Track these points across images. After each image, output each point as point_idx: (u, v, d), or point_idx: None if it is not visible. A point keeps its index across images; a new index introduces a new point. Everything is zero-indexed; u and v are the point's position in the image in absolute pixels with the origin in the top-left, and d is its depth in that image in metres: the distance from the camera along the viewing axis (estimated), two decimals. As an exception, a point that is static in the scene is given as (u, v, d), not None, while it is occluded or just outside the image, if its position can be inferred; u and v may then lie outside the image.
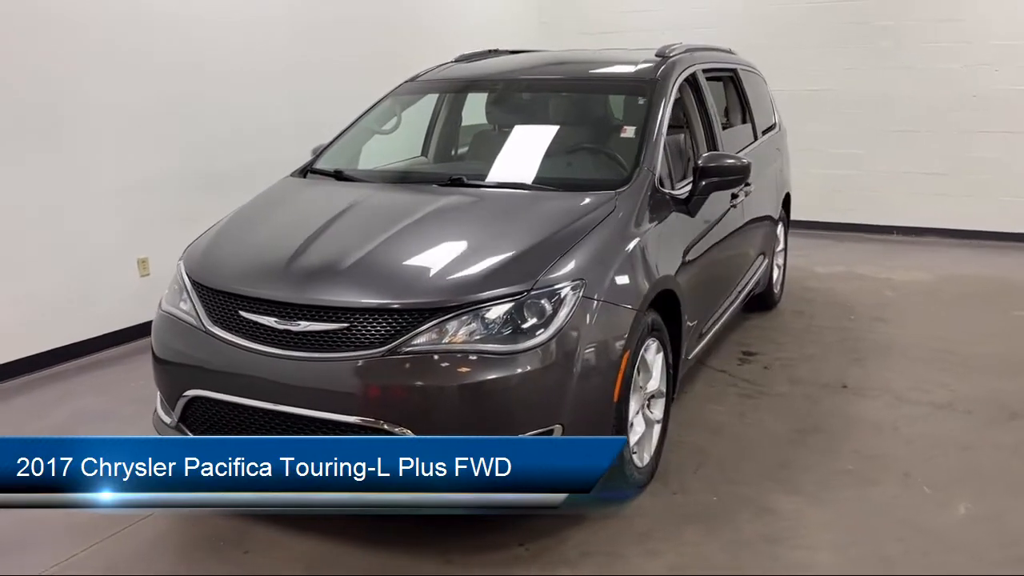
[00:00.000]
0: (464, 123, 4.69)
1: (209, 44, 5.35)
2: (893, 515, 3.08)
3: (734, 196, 4.20)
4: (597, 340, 2.77)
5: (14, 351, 4.45)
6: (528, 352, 2.63)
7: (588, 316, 2.76)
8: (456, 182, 3.50)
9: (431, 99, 4.56)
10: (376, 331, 2.66)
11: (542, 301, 2.71)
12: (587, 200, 3.22)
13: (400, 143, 4.53)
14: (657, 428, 3.37)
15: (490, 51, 4.85)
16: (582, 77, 4.25)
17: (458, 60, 4.73)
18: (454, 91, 4.38)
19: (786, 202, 5.75)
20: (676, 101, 4.06)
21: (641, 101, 3.79)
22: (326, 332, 2.70)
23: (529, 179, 3.49)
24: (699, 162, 3.58)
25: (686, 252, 3.53)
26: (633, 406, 3.09)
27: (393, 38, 6.98)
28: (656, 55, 4.21)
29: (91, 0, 4.65)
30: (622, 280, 2.93)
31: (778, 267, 5.76)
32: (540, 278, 2.74)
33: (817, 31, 8.22)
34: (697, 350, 3.84)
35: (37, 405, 4.20)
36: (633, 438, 3.10)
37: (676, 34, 8.60)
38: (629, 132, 3.66)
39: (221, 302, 2.93)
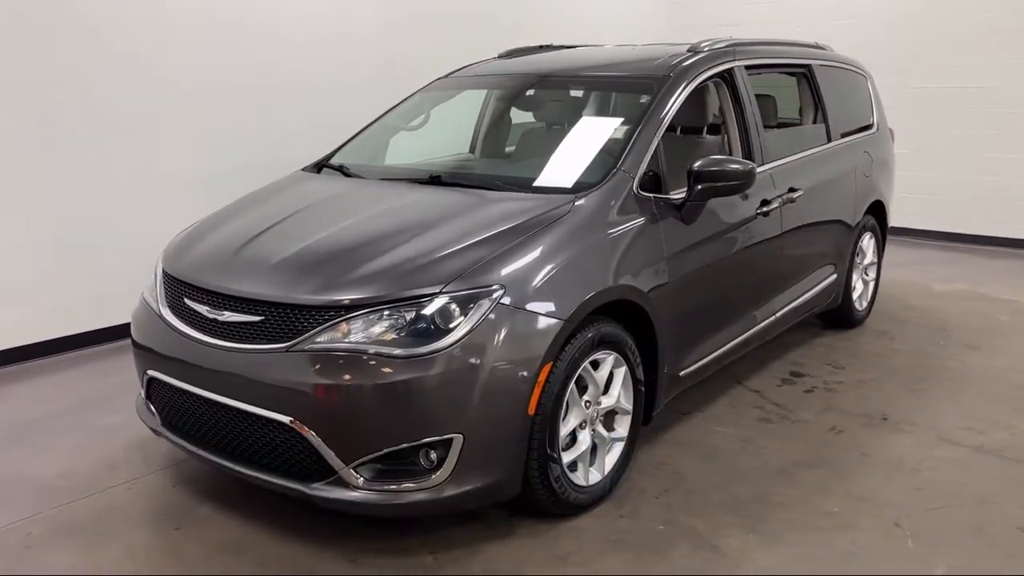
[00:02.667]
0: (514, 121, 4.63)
1: (287, 41, 5.59)
2: (852, 567, 2.73)
3: (765, 203, 3.88)
4: (510, 350, 2.64)
5: (88, 323, 4.86)
6: (428, 357, 2.55)
7: (503, 324, 2.64)
8: (434, 179, 3.45)
9: (472, 95, 4.53)
10: (286, 326, 2.68)
11: (451, 305, 2.62)
12: (542, 202, 3.08)
13: (441, 139, 4.53)
14: (618, 447, 3.18)
15: (541, 46, 4.75)
16: (593, 75, 4.06)
17: (501, 56, 4.66)
18: (475, 88, 4.31)
19: (877, 210, 5.23)
20: (698, 99, 3.82)
21: (643, 100, 3.58)
22: (245, 324, 2.76)
23: (502, 178, 3.39)
24: (693, 166, 3.33)
25: (673, 261, 3.29)
26: (573, 421, 2.93)
27: (516, 37, 7.00)
28: (688, 50, 3.96)
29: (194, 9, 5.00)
30: (552, 288, 2.78)
31: (864, 281, 5.26)
32: (453, 282, 2.65)
33: (973, 23, 7.39)
34: (695, 368, 3.57)
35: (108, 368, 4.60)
36: (569, 455, 2.94)
37: (807, 27, 8.16)
38: (619, 132, 3.46)
39: (174, 288, 3.06)
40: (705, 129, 4.26)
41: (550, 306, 2.74)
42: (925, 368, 4.53)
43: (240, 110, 5.34)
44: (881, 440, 3.66)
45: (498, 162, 4.12)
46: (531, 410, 2.70)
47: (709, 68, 3.83)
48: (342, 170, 3.83)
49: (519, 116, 4.29)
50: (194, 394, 2.86)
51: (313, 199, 3.43)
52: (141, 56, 4.85)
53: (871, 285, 5.37)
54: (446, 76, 4.45)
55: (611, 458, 3.15)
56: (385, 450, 2.59)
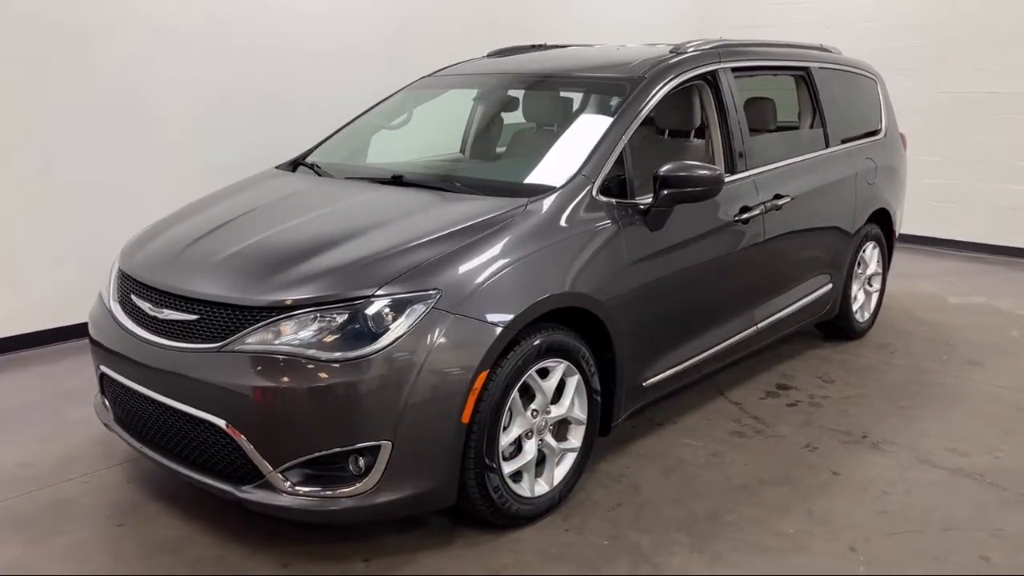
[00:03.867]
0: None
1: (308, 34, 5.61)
2: (795, 594, 2.63)
3: (745, 210, 3.76)
4: (444, 356, 2.58)
5: (79, 316, 4.91)
6: (357, 361, 2.51)
7: (437, 329, 2.58)
8: (396, 179, 3.41)
9: (457, 94, 4.48)
10: (219, 326, 2.66)
11: (383, 309, 2.57)
12: (494, 205, 3.01)
13: (426, 139, 4.49)
14: (570, 457, 3.10)
15: (533, 46, 4.68)
16: (568, 76, 3.97)
17: (490, 55, 4.61)
18: (457, 88, 4.25)
19: (881, 219, 5.05)
20: (678, 102, 3.72)
21: (614, 102, 3.49)
22: (183, 322, 2.74)
23: (462, 180, 3.34)
24: (659, 171, 3.23)
25: (635, 268, 3.20)
26: (516, 430, 2.87)
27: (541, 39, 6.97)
28: (671, 51, 3.86)
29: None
30: (493, 294, 2.71)
31: (867, 292, 5.09)
32: (387, 284, 2.60)
33: (1004, 26, 7.12)
34: (660, 379, 3.46)
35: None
36: (511, 466, 2.87)
37: (835, 29, 7.96)
38: (585, 135, 3.37)
39: (124, 285, 3.07)
40: (686, 133, 4.17)
41: (489, 312, 2.68)
42: (919, 384, 4.36)
43: (244, 105, 5.35)
44: (856, 459, 3.52)
45: (468, 163, 4.06)
46: (465, 418, 2.64)
47: (689, 70, 3.72)
48: (314, 168, 3.80)
49: (511, 117, 4.22)
50: (136, 391, 2.86)
51: (271, 197, 3.41)
52: (142, 52, 4.89)
53: (874, 296, 5.20)
54: (430, 75, 4.40)
55: (561, 469, 3.08)
56: (311, 455, 2.55)
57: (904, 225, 7.73)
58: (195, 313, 2.72)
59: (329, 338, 2.54)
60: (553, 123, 3.98)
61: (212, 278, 2.78)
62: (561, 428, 3.11)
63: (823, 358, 4.75)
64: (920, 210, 7.72)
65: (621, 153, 3.30)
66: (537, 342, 2.84)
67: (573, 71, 3.97)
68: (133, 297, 2.96)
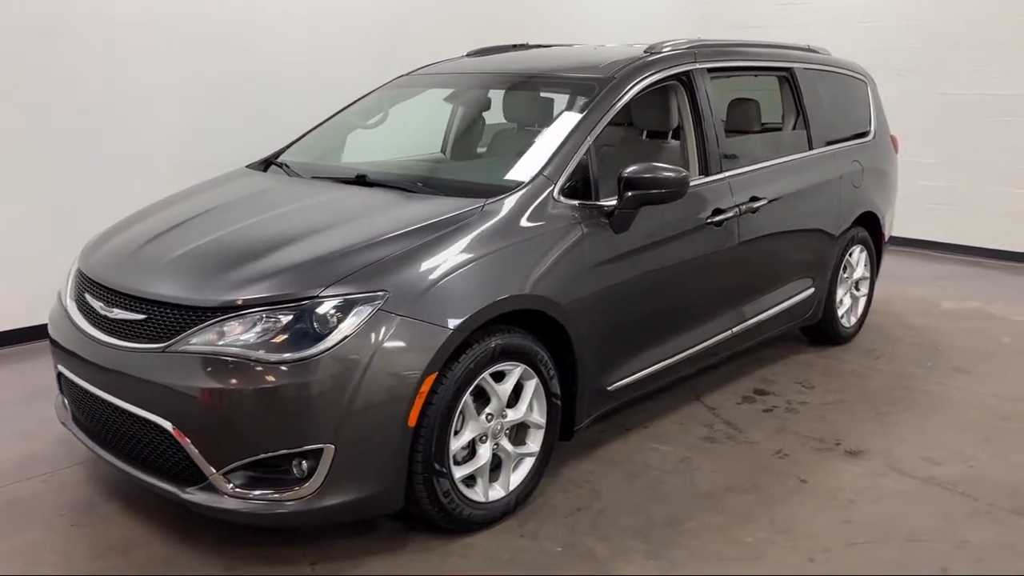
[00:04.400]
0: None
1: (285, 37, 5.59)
2: (746, 605, 2.57)
3: (718, 212, 3.71)
4: (390, 359, 2.54)
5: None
6: (300, 364, 2.48)
7: (383, 331, 2.54)
8: (360, 179, 3.38)
9: (435, 94, 4.44)
10: (165, 326, 2.63)
11: (329, 310, 2.54)
12: (452, 206, 2.97)
13: (404, 139, 4.45)
14: (528, 462, 3.06)
15: (514, 45, 4.64)
16: (539, 76, 3.92)
17: (469, 55, 4.57)
18: (433, 87, 4.22)
19: (868, 222, 4.98)
20: (650, 103, 3.68)
21: (581, 102, 3.44)
22: (130, 322, 2.72)
23: (426, 179, 3.30)
24: (623, 172, 3.18)
25: (598, 271, 3.15)
26: (468, 434, 2.82)
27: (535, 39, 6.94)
28: (645, 51, 3.81)
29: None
30: (444, 296, 2.67)
31: (854, 296, 5.02)
32: (333, 285, 2.57)
33: (1006, 26, 7.01)
34: (627, 383, 3.41)
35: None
36: (463, 470, 2.83)
37: (834, 30, 7.87)
38: (550, 135, 3.33)
39: (79, 283, 3.05)
40: (664, 134, 4.12)
41: (439, 314, 2.64)
42: (901, 391, 4.29)
43: (234, 106, 5.33)
44: (826, 467, 3.46)
45: (440, 163, 4.01)
46: (412, 422, 2.60)
47: (662, 71, 3.67)
48: (284, 167, 3.78)
49: (492, 117, 4.18)
50: (88, 391, 2.84)
51: (232, 196, 3.39)
52: (122, 51, 4.88)
53: (862, 301, 5.12)
54: (407, 74, 4.37)
55: (519, 474, 3.03)
56: (253, 458, 2.52)
57: (900, 228, 7.65)
58: (143, 313, 2.69)
59: (273, 339, 2.51)
60: (527, 123, 3.94)
61: (160, 278, 2.76)
62: (520, 432, 3.07)
63: (806, 363, 4.68)
64: (917, 213, 7.62)
65: (586, 154, 3.24)
66: (491, 345, 2.79)
67: (545, 71, 3.92)
68: (87, 296, 2.95)
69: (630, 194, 3.18)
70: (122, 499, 3.13)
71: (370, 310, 2.55)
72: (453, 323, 2.64)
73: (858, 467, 3.46)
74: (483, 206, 2.95)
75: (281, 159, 3.91)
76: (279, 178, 3.65)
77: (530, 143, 3.35)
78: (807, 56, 4.74)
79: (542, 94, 3.88)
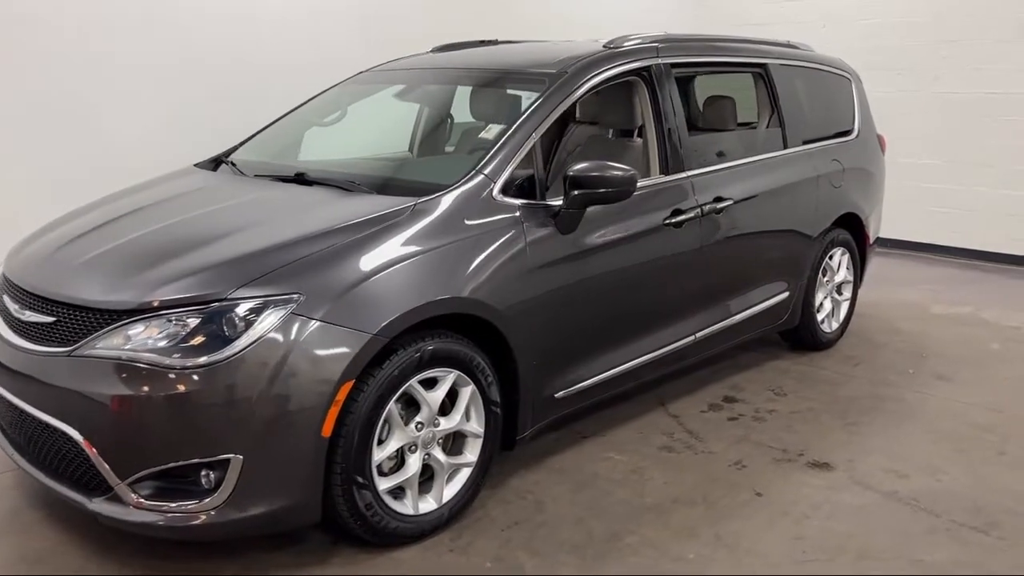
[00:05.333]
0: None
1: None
2: (676, 627, 2.43)
3: (677, 212, 3.56)
4: (302, 365, 2.43)
5: None
6: (205, 369, 2.37)
7: (295, 336, 2.43)
8: (299, 177, 3.26)
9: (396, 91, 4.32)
10: (73, 328, 2.53)
11: (237, 314, 2.42)
12: (382, 205, 2.85)
13: (365, 136, 4.34)
14: (465, 472, 2.94)
15: (482, 41, 4.51)
16: (493, 72, 3.79)
17: (433, 50, 4.45)
18: (392, 84, 4.10)
19: (850, 224, 4.81)
20: (606, 99, 3.56)
21: (529, 98, 3.31)
22: (40, 324, 2.62)
23: (366, 178, 3.18)
24: (569, 171, 3.05)
25: (542, 273, 3.02)
26: (394, 444, 2.70)
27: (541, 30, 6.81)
28: (605, 45, 3.68)
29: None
30: (364, 299, 2.55)
31: (835, 301, 4.85)
32: (242, 287, 2.45)
33: (1007, 22, 6.80)
34: (576, 390, 3.28)
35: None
36: (389, 481, 2.70)
37: (832, 27, 7.70)
38: (490, 132, 3.21)
39: (1, 285, 2.96)
40: (627, 132, 3.98)
41: (357, 319, 2.52)
42: (876, 399, 4.13)
43: (214, 99, 5.23)
44: (785, 479, 3.31)
45: (390, 161, 3.87)
46: (326, 432, 2.48)
47: (619, 65, 3.54)
48: (231, 165, 3.67)
49: (464, 115, 4.06)
50: (2, 396, 2.74)
51: (162, 195, 3.28)
52: (82, 41, 4.79)
53: (844, 305, 4.95)
54: (367, 71, 4.25)
55: (454, 485, 2.91)
56: (158, 468, 2.41)
57: (898, 230, 7.49)
58: (53, 315, 2.59)
59: (180, 343, 2.40)
60: (491, 121, 3.80)
61: (72, 279, 2.66)
62: (457, 441, 2.95)
63: (781, 370, 4.52)
64: (915, 214, 7.44)
65: (531, 151, 3.11)
66: (419, 351, 2.67)
67: (499, 67, 3.79)
68: (5, 298, 2.85)
69: (576, 193, 3.05)
70: (46, 507, 3.03)
71: (282, 313, 2.43)
72: (373, 328, 2.52)
73: (819, 480, 3.30)
74: (414, 205, 2.83)
75: (233, 157, 3.81)
76: (219, 176, 3.54)
77: (479, 140, 3.22)
78: (785, 52, 4.58)
79: (498, 91, 3.75)
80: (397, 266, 2.65)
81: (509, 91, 3.59)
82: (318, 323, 2.46)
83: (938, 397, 4.16)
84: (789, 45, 4.75)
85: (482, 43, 4.48)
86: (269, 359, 2.40)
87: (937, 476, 3.34)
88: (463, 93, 3.96)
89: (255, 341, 2.40)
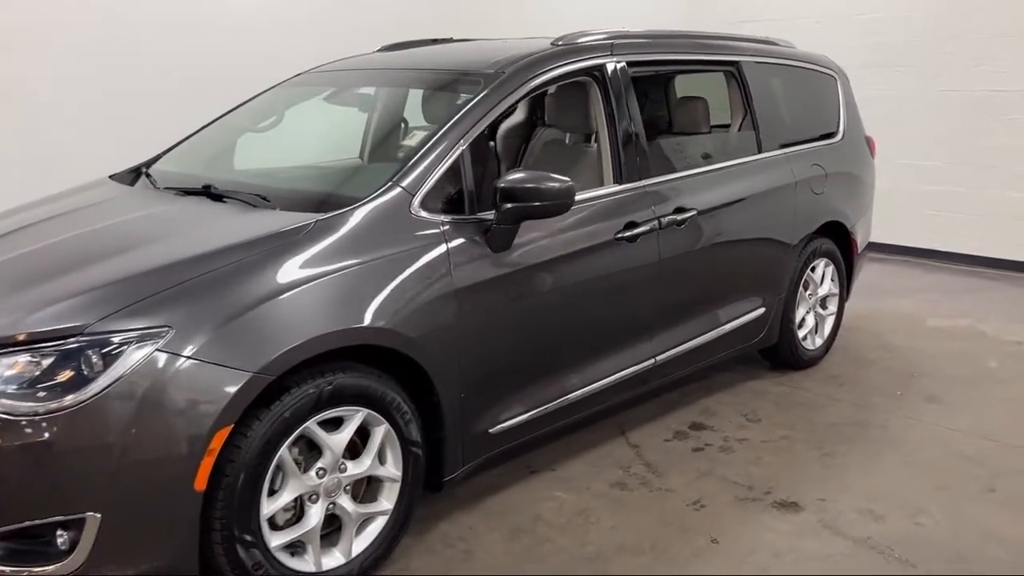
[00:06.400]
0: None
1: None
2: None
3: (631, 225, 3.24)
4: (170, 409, 2.13)
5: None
6: (55, 416, 2.07)
7: (162, 375, 2.12)
8: (206, 190, 2.95)
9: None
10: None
11: (94, 351, 2.12)
12: (279, 222, 2.55)
13: (302, 142, 4.03)
14: (381, 521, 2.63)
15: (434, 40, 4.20)
16: (428, 72, 3.48)
17: (381, 49, 4.14)
18: (330, 86, 3.78)
19: (835, 233, 4.47)
20: (553, 101, 3.25)
21: (460, 100, 3.00)
22: None
23: (274, 191, 2.87)
24: (499, 182, 2.74)
25: (469, 296, 2.71)
26: (288, 495, 2.39)
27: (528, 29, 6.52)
28: (552, 43, 3.37)
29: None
30: (245, 333, 2.24)
31: (819, 316, 4.52)
32: (102, 320, 2.15)
33: (1010, 17, 6.43)
34: (516, 423, 2.97)
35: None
36: (282, 536, 2.39)
37: (826, 24, 7.35)
38: (413, 139, 2.89)
39: None
40: (587, 137, 3.67)
41: (235, 355, 2.21)
42: (858, 426, 3.79)
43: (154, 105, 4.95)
44: (747, 521, 2.98)
45: (308, 171, 3.55)
46: (200, 485, 2.17)
47: (565, 65, 3.22)
48: (147, 176, 3.37)
49: (336, 121, 3.77)
50: None
51: (60, 210, 2.98)
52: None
53: (829, 320, 4.61)
54: (306, 72, 3.95)
55: (366, 536, 2.60)
56: (7, 528, 2.11)
57: (898, 236, 7.14)
58: None
59: (27, 385, 2.10)
60: (397, 127, 3.51)
61: None
62: (372, 487, 2.63)
63: (757, 392, 4.19)
64: (917, 219, 7.10)
65: (458, 160, 2.80)
66: (315, 389, 2.36)
67: (439, 68, 3.47)
68: None
69: (507, 207, 2.74)
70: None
71: (147, 350, 2.13)
72: (254, 365, 2.21)
73: (784, 523, 2.97)
74: (315, 223, 2.52)
75: (155, 167, 3.51)
76: (122, 188, 3.24)
77: (395, 149, 2.92)
78: (761, 49, 4.25)
79: (436, 93, 3.44)
80: (288, 293, 2.34)
81: (447, 94, 3.27)
82: (189, 361, 2.15)
83: (925, 423, 3.82)
84: (767, 41, 4.42)
85: (434, 41, 4.16)
86: (130, 403, 2.10)
87: (917, 518, 3.00)
88: (415, 96, 3.66)
89: (115, 383, 2.09)
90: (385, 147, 3.65)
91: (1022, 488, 3.20)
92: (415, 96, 3.53)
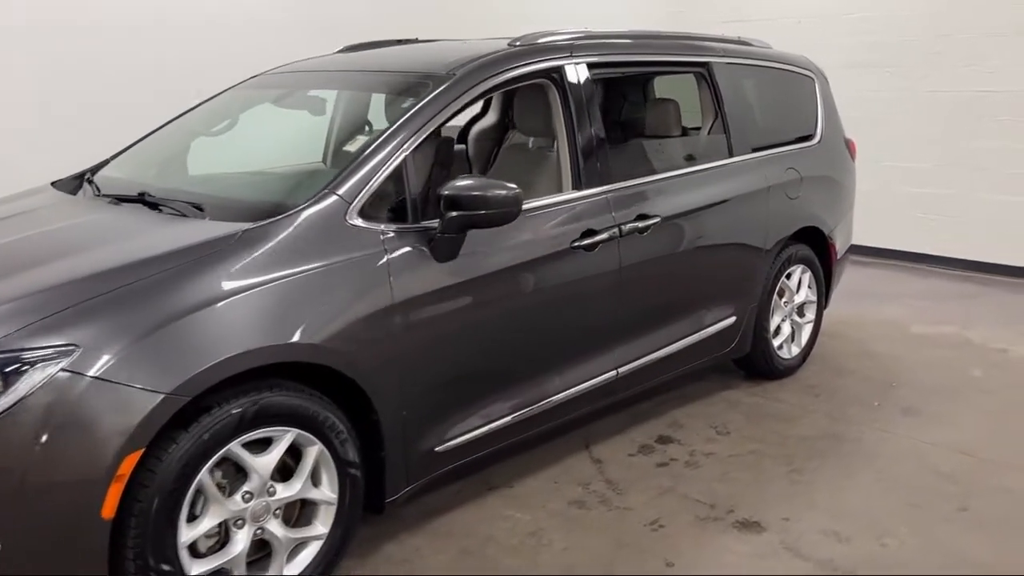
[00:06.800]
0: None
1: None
2: None
3: (589, 233, 3.12)
4: (74, 433, 2.01)
5: None
6: (-52, 441, 1.95)
7: (67, 398, 2.01)
8: (140, 197, 2.83)
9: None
10: None
11: (-6, 371, 2.00)
12: (203, 232, 2.43)
13: (258, 146, 3.90)
14: (316, 546, 2.51)
15: (399, 41, 4.07)
16: (383, 74, 3.35)
17: (341, 51, 4.02)
18: (282, 88, 3.66)
19: (812, 238, 4.34)
20: (523, 106, 3.14)
21: (406, 104, 2.88)
22: None
23: (211, 198, 2.75)
24: (443, 189, 2.62)
25: (411, 310, 2.59)
26: (209, 521, 2.27)
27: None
28: (510, 43, 3.25)
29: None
30: (159, 351, 2.12)
31: (796, 324, 4.39)
32: (3, 339, 2.03)
33: (1002, 16, 6.29)
34: (466, 440, 2.84)
35: None
36: (204, 565, 2.28)
37: (813, 23, 7.23)
38: (354, 144, 2.77)
39: None
40: (538, 142, 3.55)
41: (147, 375, 2.09)
42: (830, 440, 3.66)
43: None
44: (706, 543, 2.86)
45: (246, 178, 3.42)
46: (107, 513, 2.06)
47: (520, 67, 3.10)
48: (90, 183, 3.25)
49: (280, 126, 3.64)
50: None
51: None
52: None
53: (807, 328, 4.48)
54: (263, 73, 3.83)
55: (299, 562, 2.49)
56: (-97, 559, 1.99)
57: (887, 239, 7.01)
58: None
59: (-72, 408, 1.98)
60: (344, 131, 3.39)
61: None
62: (307, 509, 2.51)
63: (731, 402, 4.06)
64: (907, 222, 6.97)
65: (401, 167, 2.68)
66: (238, 409, 2.24)
67: (393, 70, 3.35)
68: None
69: (452, 215, 2.62)
70: None
71: (51, 370, 2.01)
72: (167, 386, 2.09)
73: (745, 545, 2.85)
74: (241, 233, 2.40)
75: (101, 173, 3.39)
76: (58, 196, 3.12)
77: (333, 154, 2.80)
78: (733, 49, 4.12)
79: (389, 96, 3.31)
80: (207, 309, 2.22)
81: (399, 96, 3.14)
82: (96, 381, 2.03)
83: (901, 436, 3.69)
84: (741, 42, 4.29)
85: (399, 42, 4.04)
86: (33, 426, 1.98)
87: (884, 539, 2.87)
88: (379, 99, 3.53)
89: (15, 404, 1.98)
90: (348, 152, 3.53)
91: (995, 508, 3.07)
92: (378, 99, 3.40)
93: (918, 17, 6.73)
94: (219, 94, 3.79)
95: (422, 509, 3.02)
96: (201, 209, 2.65)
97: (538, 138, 3.66)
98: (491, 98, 4.28)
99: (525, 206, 2.97)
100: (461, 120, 4.58)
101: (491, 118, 4.30)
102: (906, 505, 3.10)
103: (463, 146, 4.58)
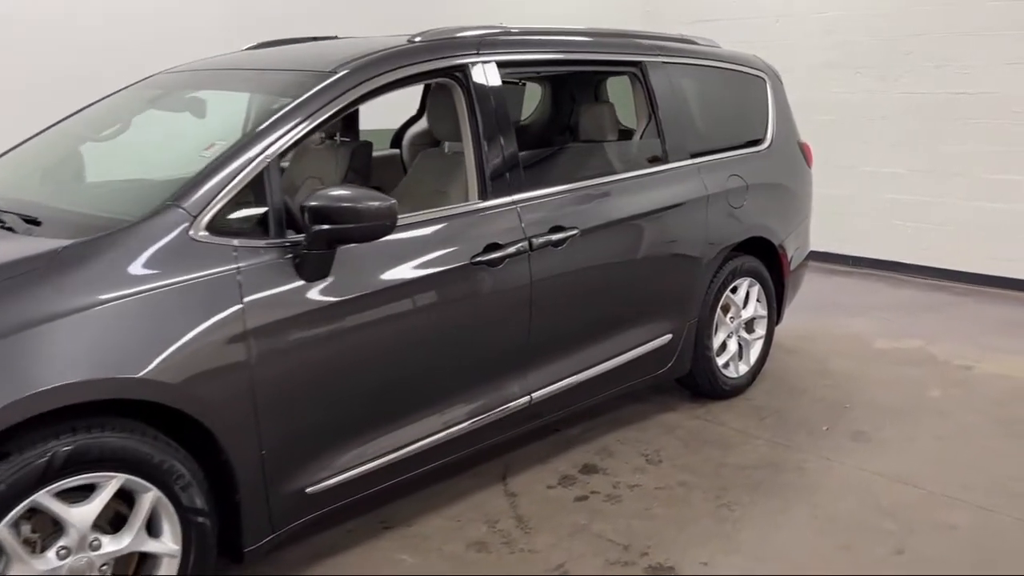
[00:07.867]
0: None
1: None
2: None
3: (494, 248, 2.84)
4: None
5: None
6: None
7: None
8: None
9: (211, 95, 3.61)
10: None
11: None
12: (19, 250, 2.15)
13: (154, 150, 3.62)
14: (148, 602, 2.22)
15: (307, 38, 3.79)
16: (274, 74, 3.06)
17: (249, 48, 3.74)
18: (188, 87, 3.37)
19: (760, 250, 4.06)
20: (433, 108, 2.94)
21: (276, 105, 2.60)
22: None
23: (52, 210, 2.47)
24: (308, 201, 2.34)
25: (269, 336, 2.31)
26: (15, 578, 1.99)
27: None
28: (410, 39, 2.97)
29: None
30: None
31: (743, 341, 4.10)
32: None
33: (977, 15, 6.01)
34: (344, 479, 2.56)
35: None
36: (10, 629, 1.99)
37: (784, 22, 6.96)
38: (211, 150, 2.49)
39: None
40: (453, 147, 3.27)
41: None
42: (771, 468, 3.38)
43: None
44: (609, 593, 2.57)
45: (103, 188, 3.13)
46: None
47: (416, 64, 2.83)
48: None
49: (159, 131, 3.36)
50: None
51: None
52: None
53: (756, 344, 4.20)
54: (158, 74, 3.55)
55: (132, 622, 2.19)
56: None
57: (860, 247, 6.73)
58: None
59: None
60: (215, 136, 3.09)
61: None
62: (149, 562, 2.23)
63: (668, 426, 3.78)
64: (881, 230, 6.70)
65: (263, 175, 2.40)
66: (46, 454, 1.96)
67: (283, 68, 3.06)
68: None
69: (318, 229, 2.34)
70: None
71: None
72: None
73: (654, 594, 2.56)
74: (59, 251, 2.11)
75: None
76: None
77: (192, 162, 2.51)
78: (672, 48, 3.83)
79: (273, 97, 3.02)
80: (5, 340, 1.93)
81: (275, 97, 2.85)
82: None
83: (846, 465, 3.41)
84: (684, 40, 4.01)
85: (315, 39, 3.76)
86: None
87: (807, 589, 2.59)
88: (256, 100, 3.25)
89: None
90: (205, 158, 3.24)
91: (933, 550, 2.78)
92: (256, 99, 3.12)
93: (890, 16, 6.47)
94: (112, 95, 3.51)
95: (305, 552, 2.76)
96: (38, 223, 2.36)
97: (453, 143, 3.38)
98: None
99: (421, 218, 2.72)
100: (396, 122, 4.34)
101: (425, 122, 4.04)
102: (838, 547, 2.82)
103: (397, 151, 4.33)
